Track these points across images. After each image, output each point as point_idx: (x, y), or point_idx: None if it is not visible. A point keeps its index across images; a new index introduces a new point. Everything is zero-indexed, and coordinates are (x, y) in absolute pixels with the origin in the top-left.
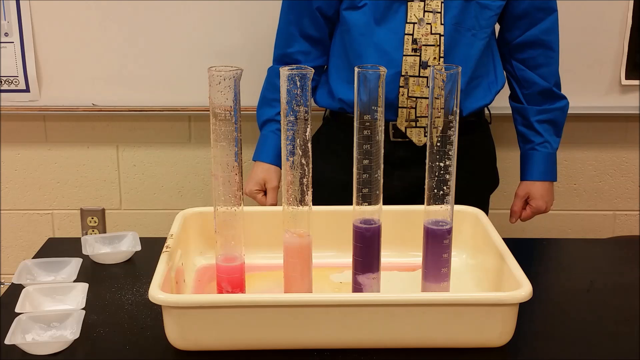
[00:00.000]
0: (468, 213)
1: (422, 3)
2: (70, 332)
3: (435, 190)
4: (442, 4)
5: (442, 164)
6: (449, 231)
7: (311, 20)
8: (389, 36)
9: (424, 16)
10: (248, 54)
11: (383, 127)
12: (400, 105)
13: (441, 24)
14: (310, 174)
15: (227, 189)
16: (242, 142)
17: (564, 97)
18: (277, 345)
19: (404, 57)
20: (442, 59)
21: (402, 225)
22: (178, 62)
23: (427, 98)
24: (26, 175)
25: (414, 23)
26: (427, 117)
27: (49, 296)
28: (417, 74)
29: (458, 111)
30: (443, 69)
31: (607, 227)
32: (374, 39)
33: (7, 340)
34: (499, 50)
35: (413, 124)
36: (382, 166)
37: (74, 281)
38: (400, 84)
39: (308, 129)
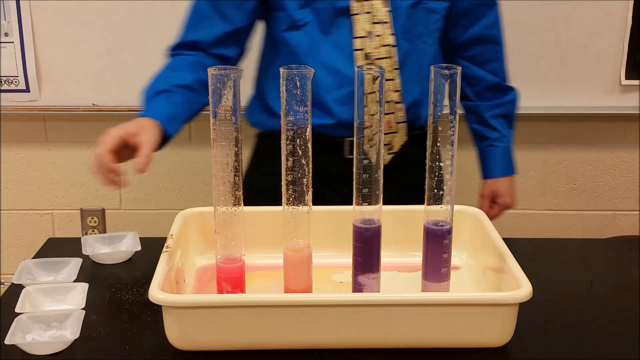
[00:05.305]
0: (468, 213)
1: (367, 15)
2: (70, 332)
3: (435, 190)
4: (390, 13)
5: (442, 164)
6: (449, 231)
7: (231, 2)
8: (337, 53)
9: (373, 28)
10: (248, 54)
11: (383, 128)
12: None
13: (391, 34)
14: (311, 174)
15: (227, 189)
16: (242, 142)
17: (513, 89)
18: (277, 345)
19: None
20: (397, 71)
21: (402, 225)
22: None
23: (388, 114)
24: (26, 175)
25: (363, 37)
26: (388, 133)
27: (49, 296)
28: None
29: (458, 111)
30: (446, 69)
31: (607, 227)
32: (320, 58)
33: (7, 340)
34: (442, 51)
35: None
36: (382, 166)
37: (74, 281)
38: None
39: (308, 129)
